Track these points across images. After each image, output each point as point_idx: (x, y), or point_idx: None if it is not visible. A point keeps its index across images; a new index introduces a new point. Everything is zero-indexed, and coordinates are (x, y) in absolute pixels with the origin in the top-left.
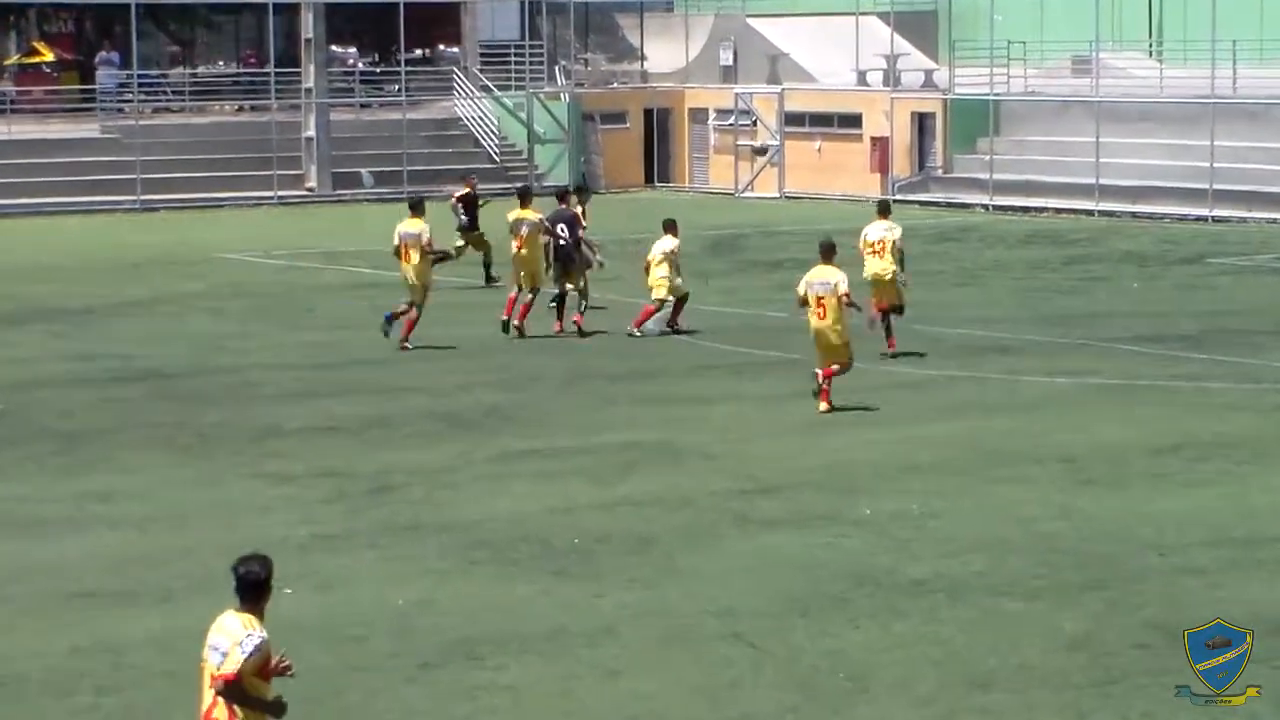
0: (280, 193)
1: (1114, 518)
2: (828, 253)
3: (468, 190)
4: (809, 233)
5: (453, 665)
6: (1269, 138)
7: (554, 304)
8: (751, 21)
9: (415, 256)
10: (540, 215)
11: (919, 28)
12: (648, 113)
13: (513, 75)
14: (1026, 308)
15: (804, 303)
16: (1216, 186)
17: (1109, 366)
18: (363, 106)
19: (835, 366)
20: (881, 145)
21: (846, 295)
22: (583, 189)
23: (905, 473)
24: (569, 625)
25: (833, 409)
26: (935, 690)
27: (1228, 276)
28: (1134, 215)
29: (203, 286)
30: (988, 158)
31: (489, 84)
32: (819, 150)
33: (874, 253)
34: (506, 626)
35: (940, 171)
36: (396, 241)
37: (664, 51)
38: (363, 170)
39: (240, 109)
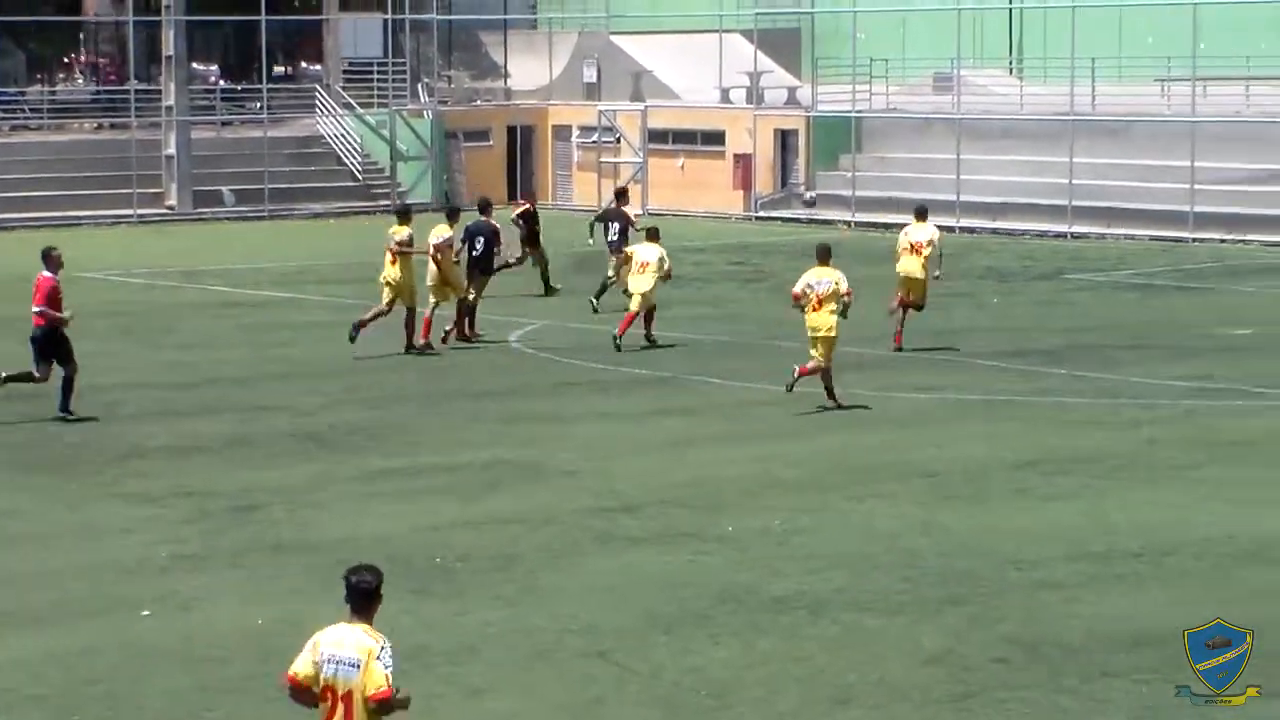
0: (140, 211)
1: (974, 533)
2: (824, 255)
3: (528, 207)
4: (671, 249)
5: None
6: (1127, 155)
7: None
8: (615, 39)
9: (396, 260)
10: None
11: (782, 45)
12: (511, 130)
13: (375, 93)
14: (887, 325)
15: (800, 300)
16: (1075, 203)
17: (970, 382)
18: (224, 124)
19: (810, 365)
20: (744, 162)
21: (849, 293)
22: (624, 191)
23: (768, 489)
24: (431, 644)
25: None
26: (796, 706)
27: (1086, 292)
28: (994, 231)
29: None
30: (850, 174)
31: (352, 101)
32: (682, 167)
33: (913, 251)
34: None
35: (803, 188)
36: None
37: (527, 69)
38: (224, 188)
39: (100, 126)
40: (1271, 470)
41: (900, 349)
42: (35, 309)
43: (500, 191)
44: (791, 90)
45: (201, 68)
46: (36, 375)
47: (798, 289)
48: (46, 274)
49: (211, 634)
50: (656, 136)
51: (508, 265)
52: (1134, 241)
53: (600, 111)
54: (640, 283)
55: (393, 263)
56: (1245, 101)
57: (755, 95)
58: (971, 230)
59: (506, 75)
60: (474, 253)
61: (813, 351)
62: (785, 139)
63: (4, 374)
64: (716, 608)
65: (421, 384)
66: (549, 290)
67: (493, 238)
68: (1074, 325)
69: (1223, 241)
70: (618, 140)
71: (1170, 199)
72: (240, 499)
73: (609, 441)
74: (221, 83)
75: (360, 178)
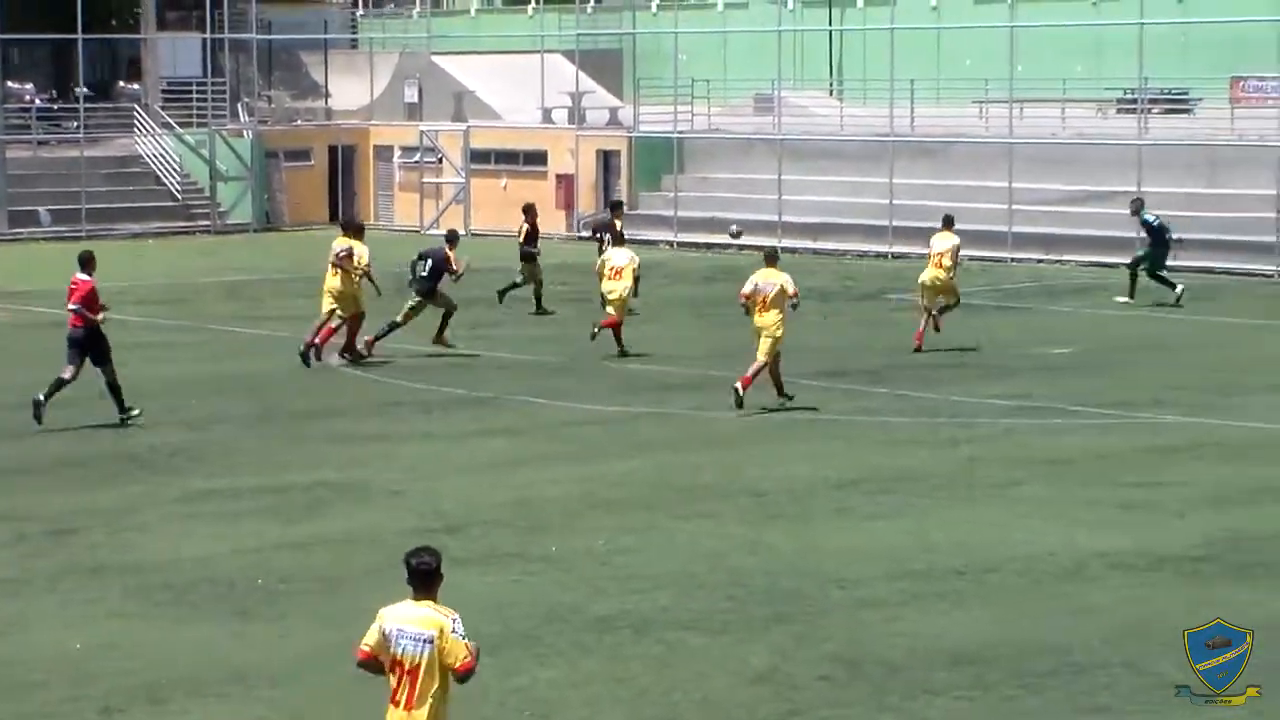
0: None
1: (799, 552)
2: (771, 258)
3: (528, 226)
4: (494, 269)
5: (135, 710)
6: (946, 175)
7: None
8: (436, 59)
9: (340, 273)
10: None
11: (604, 66)
12: (332, 150)
13: (195, 112)
14: (711, 344)
15: (748, 300)
16: (896, 223)
17: (793, 401)
18: (40, 143)
19: (751, 372)
20: (567, 182)
21: (795, 294)
22: (619, 204)
23: (593, 509)
24: (254, 667)
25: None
26: None
27: (906, 312)
28: (815, 251)
29: None
30: (672, 195)
31: (171, 121)
32: (504, 187)
33: (936, 264)
34: (190, 669)
35: (625, 208)
36: (332, 258)
37: (348, 89)
38: (40, 208)
39: None
40: (1089, 488)
41: (919, 349)
42: (71, 308)
43: (321, 212)
44: (613, 111)
45: (17, 86)
46: (66, 378)
47: (746, 290)
48: (84, 276)
49: (28, 659)
50: (479, 157)
51: (514, 286)
52: None
53: (422, 132)
54: (613, 286)
55: (334, 274)
56: (1061, 124)
57: (577, 116)
58: (793, 250)
59: (327, 95)
60: (420, 274)
61: (759, 353)
62: (607, 159)
63: (41, 398)
64: (541, 628)
65: (243, 405)
66: (540, 310)
67: (442, 264)
68: (895, 345)
69: (1040, 261)
70: (440, 160)
71: (989, 219)
72: (60, 522)
73: (433, 462)
74: (37, 101)
75: (179, 198)
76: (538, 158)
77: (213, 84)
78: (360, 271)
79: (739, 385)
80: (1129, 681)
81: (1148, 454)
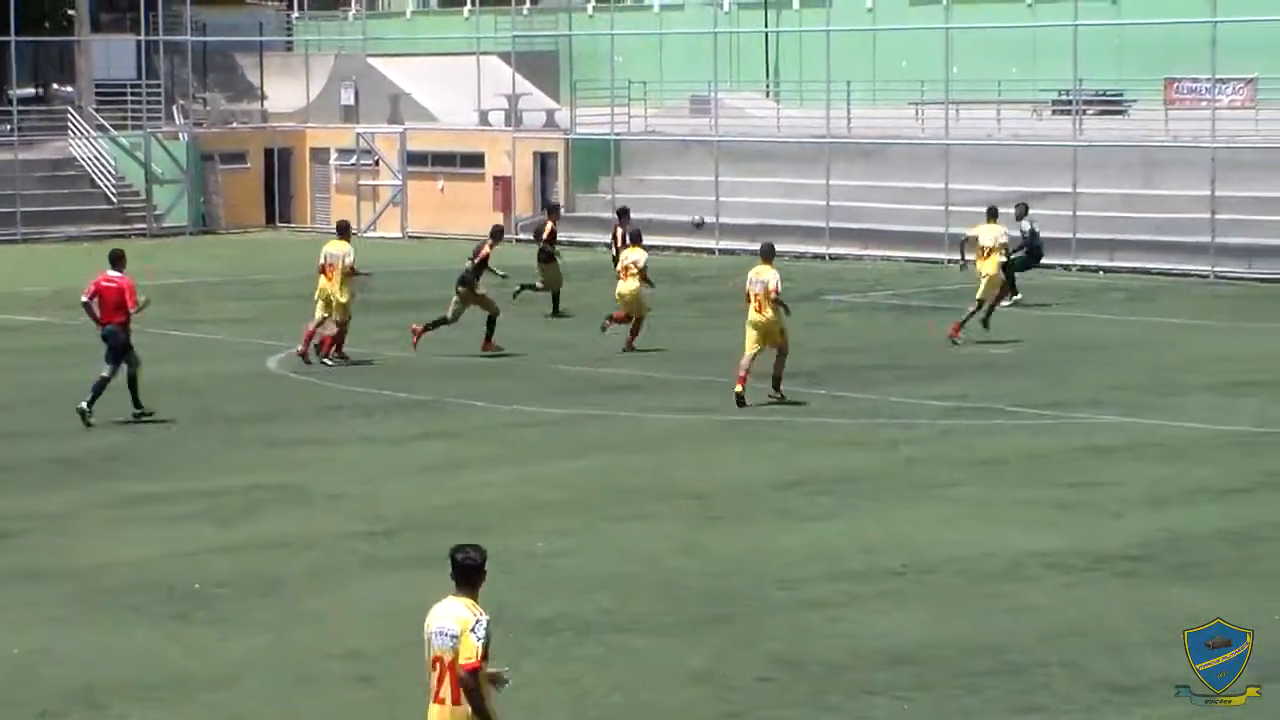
0: None
1: (739, 553)
2: (767, 255)
3: (551, 225)
4: (432, 272)
5: (73, 715)
6: (882, 177)
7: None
8: (373, 61)
9: (337, 277)
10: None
11: (540, 68)
12: (268, 152)
13: (130, 115)
14: (651, 345)
15: (747, 297)
16: (833, 224)
17: (733, 403)
18: None
19: (745, 366)
20: (504, 184)
21: (775, 291)
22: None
23: (533, 511)
24: (193, 671)
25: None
26: None
27: (844, 313)
28: (753, 253)
29: None
30: (609, 196)
31: (105, 123)
32: (442, 190)
33: (985, 256)
34: (129, 673)
35: (563, 210)
36: (322, 261)
37: (285, 91)
38: None
39: None
40: (1027, 488)
41: (955, 340)
42: (132, 310)
43: (257, 215)
44: (550, 113)
45: None
46: (107, 376)
47: (746, 288)
48: (116, 273)
49: None
50: (415, 159)
51: (534, 288)
52: (890, 263)
53: (358, 134)
54: (623, 285)
55: (330, 279)
56: (997, 125)
57: (514, 118)
58: (731, 252)
59: (263, 98)
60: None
61: (751, 346)
62: (544, 161)
63: (85, 407)
64: None
65: (180, 409)
66: (557, 312)
67: (479, 256)
68: (833, 346)
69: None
70: (376, 163)
71: (925, 220)
72: None
73: (372, 465)
74: None
75: (115, 200)
76: (475, 160)
77: (147, 86)
78: (348, 273)
79: (738, 387)
80: (1065, 681)
81: (1085, 454)
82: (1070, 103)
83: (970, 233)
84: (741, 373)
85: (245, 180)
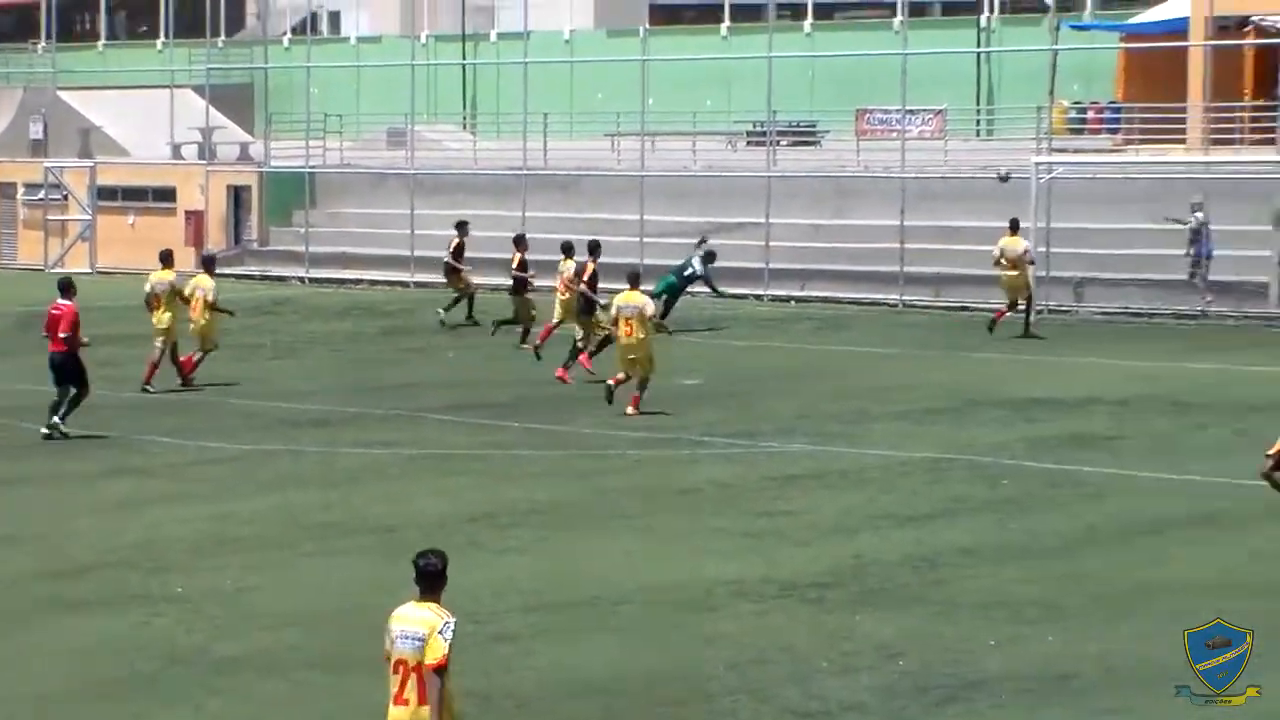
0: None
1: None
2: (633, 281)
3: (521, 256)
4: (121, 308)
5: None
6: (578, 208)
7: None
8: (62, 94)
9: (200, 308)
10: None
11: (235, 101)
12: None
13: None
14: (344, 380)
15: (615, 323)
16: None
17: (424, 436)
18: None
19: (622, 375)
20: (196, 218)
21: (654, 316)
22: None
23: (220, 548)
24: None
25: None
26: None
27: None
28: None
29: None
30: (304, 230)
31: None
32: (133, 224)
33: (1010, 266)
34: None
35: (256, 244)
36: (149, 290)
37: None
38: None
39: None
40: (717, 518)
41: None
42: (62, 336)
43: None
44: (244, 146)
45: None
46: (84, 393)
47: (612, 312)
48: (66, 301)
49: None
50: (106, 193)
51: (507, 322)
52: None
53: (47, 169)
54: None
55: (159, 308)
56: (692, 156)
57: (207, 151)
58: (426, 285)
59: None
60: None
61: (624, 368)
62: (238, 195)
63: (54, 428)
64: (165, 670)
65: None
66: (525, 342)
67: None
68: (527, 378)
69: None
70: (65, 198)
71: (621, 251)
72: None
73: (58, 504)
74: None
75: None
76: (167, 194)
77: None
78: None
79: (630, 409)
80: (753, 709)
81: (775, 483)
82: (764, 134)
83: (996, 250)
84: (617, 378)
85: None
